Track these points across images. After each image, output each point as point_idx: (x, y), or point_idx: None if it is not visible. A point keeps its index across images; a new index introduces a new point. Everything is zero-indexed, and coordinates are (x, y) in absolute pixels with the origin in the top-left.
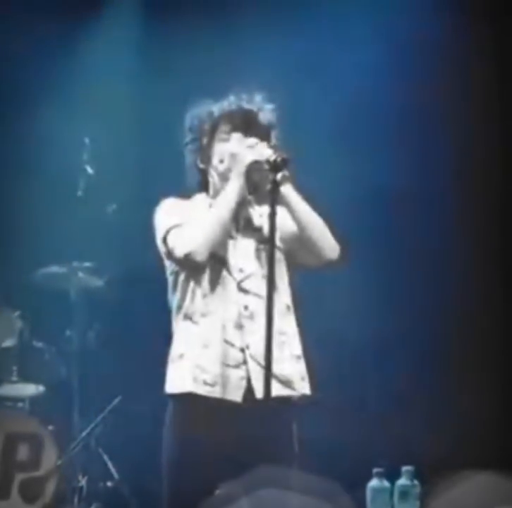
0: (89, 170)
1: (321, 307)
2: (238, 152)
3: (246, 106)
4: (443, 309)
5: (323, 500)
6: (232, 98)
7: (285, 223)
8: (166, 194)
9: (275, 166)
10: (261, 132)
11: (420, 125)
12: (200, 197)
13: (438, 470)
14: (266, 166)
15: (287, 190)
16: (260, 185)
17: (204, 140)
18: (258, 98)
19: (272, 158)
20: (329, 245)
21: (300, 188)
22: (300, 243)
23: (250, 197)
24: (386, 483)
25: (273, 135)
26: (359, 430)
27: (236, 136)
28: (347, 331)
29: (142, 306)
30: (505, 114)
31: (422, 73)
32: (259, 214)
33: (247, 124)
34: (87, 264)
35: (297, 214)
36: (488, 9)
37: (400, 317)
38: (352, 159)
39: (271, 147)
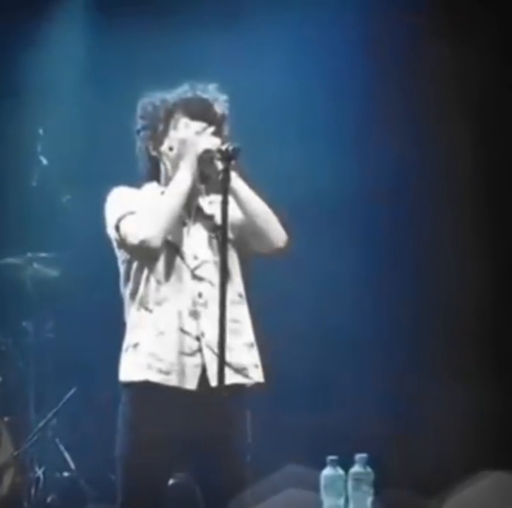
0: (44, 161)
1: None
2: (186, 138)
3: (201, 95)
4: (432, 305)
5: None
6: (187, 86)
7: (233, 211)
8: (120, 184)
9: (227, 156)
10: (216, 122)
11: (385, 118)
12: (151, 186)
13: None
14: (218, 155)
15: (233, 178)
16: (210, 173)
17: (159, 128)
18: (212, 88)
19: (224, 147)
20: (276, 233)
21: (251, 177)
22: (248, 230)
23: (200, 186)
24: (340, 471)
25: (226, 126)
26: (319, 418)
27: (184, 122)
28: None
29: (97, 296)
30: (482, 111)
31: (389, 68)
32: (208, 202)
33: (202, 113)
34: (42, 254)
35: (243, 202)
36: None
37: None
38: (314, 152)
39: (217, 133)
